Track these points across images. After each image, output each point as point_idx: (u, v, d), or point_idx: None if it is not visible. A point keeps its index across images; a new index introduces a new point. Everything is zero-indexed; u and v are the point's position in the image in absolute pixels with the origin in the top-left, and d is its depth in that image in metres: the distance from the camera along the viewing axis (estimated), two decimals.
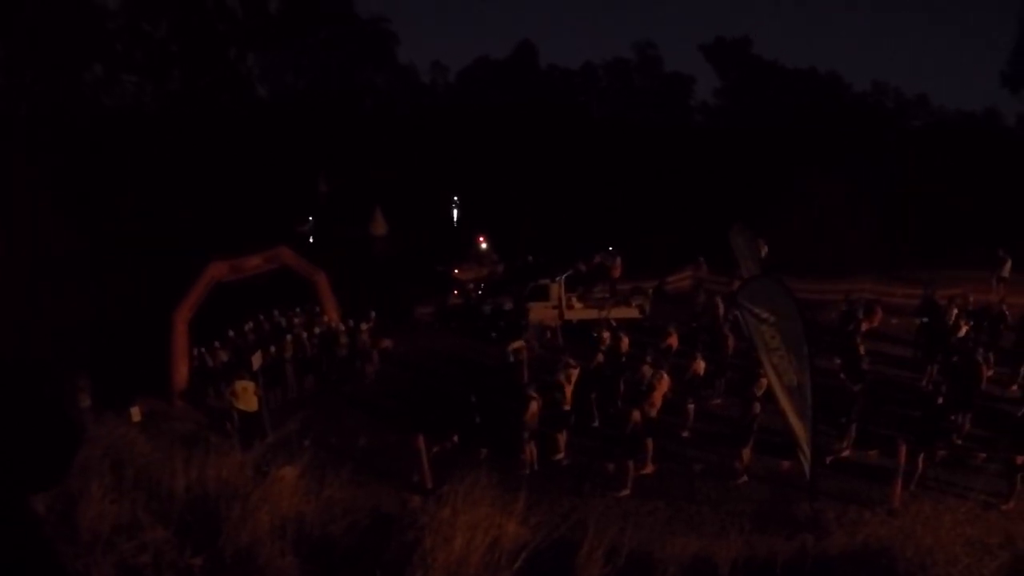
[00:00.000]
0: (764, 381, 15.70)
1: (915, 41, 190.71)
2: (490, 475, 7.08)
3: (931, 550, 6.27)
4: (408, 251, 50.19)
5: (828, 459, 16.59)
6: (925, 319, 23.05)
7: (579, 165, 71.04)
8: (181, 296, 24.52)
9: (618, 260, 30.16)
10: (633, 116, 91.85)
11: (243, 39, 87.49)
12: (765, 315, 14.91)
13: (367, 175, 69.88)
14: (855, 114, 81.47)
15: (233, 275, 25.71)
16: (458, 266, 37.00)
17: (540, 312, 27.77)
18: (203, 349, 24.06)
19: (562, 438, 18.06)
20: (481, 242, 40.06)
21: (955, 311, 22.35)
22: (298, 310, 27.66)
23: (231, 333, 25.28)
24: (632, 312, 27.68)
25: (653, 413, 17.00)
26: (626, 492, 16.05)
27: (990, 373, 19.25)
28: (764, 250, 28.33)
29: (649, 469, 16.96)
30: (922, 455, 15.51)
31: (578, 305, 28.63)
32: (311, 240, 58.42)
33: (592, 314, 27.60)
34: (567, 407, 18.02)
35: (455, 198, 73.23)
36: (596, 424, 19.46)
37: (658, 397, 17.21)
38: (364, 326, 25.67)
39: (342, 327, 25.81)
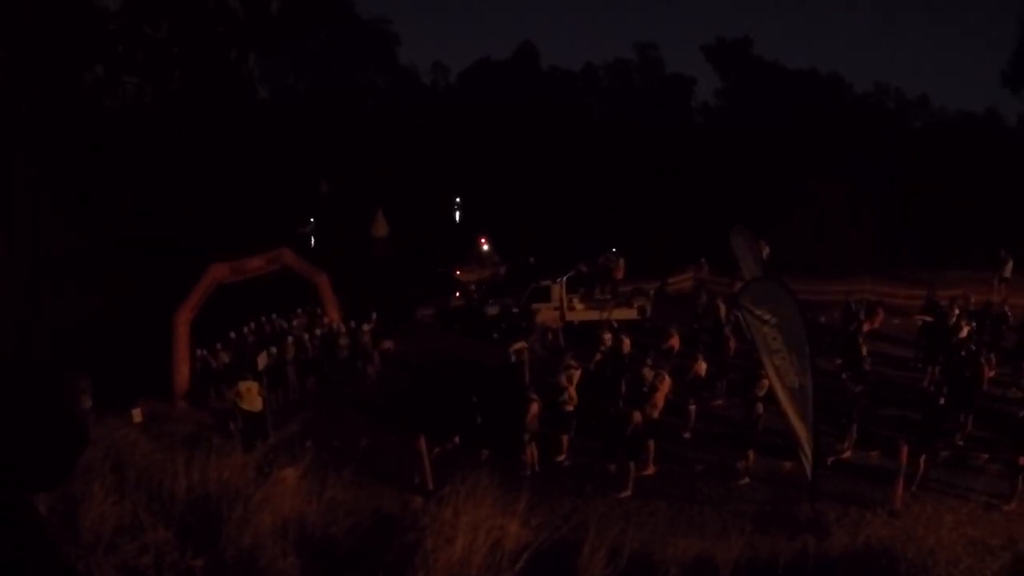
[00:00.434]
0: (766, 382, 15.69)
1: (916, 42, 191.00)
2: (491, 476, 7.10)
3: (933, 551, 6.27)
4: (409, 252, 50.20)
5: (829, 460, 16.59)
6: (927, 319, 23.03)
7: (580, 166, 71.10)
8: (182, 297, 24.51)
9: (620, 261, 30.14)
10: (634, 117, 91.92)
11: (244, 40, 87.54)
12: (767, 316, 14.91)
13: (368, 176, 69.94)
14: (856, 114, 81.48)
15: (234, 276, 25.68)
16: (460, 267, 36.98)
17: (542, 313, 27.77)
18: (205, 351, 24.04)
19: (564, 439, 18.05)
20: (483, 243, 40.03)
21: (957, 312, 22.32)
22: (299, 311, 27.64)
23: (232, 335, 25.26)
24: (633, 313, 27.67)
25: (655, 414, 17.01)
26: (627, 493, 16.05)
27: (992, 374, 19.24)
28: (766, 251, 28.30)
29: (650, 470, 16.96)
30: (924, 456, 15.51)
31: (580, 306, 28.61)
32: (312, 241, 58.43)
33: (594, 315, 27.59)
34: (569, 408, 18.00)
35: (457, 199, 73.26)
36: (597, 425, 19.45)
37: (660, 398, 17.23)
38: (366, 327, 25.65)
39: (343, 328, 25.80)
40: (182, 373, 23.90)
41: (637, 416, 16.34)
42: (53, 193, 43.09)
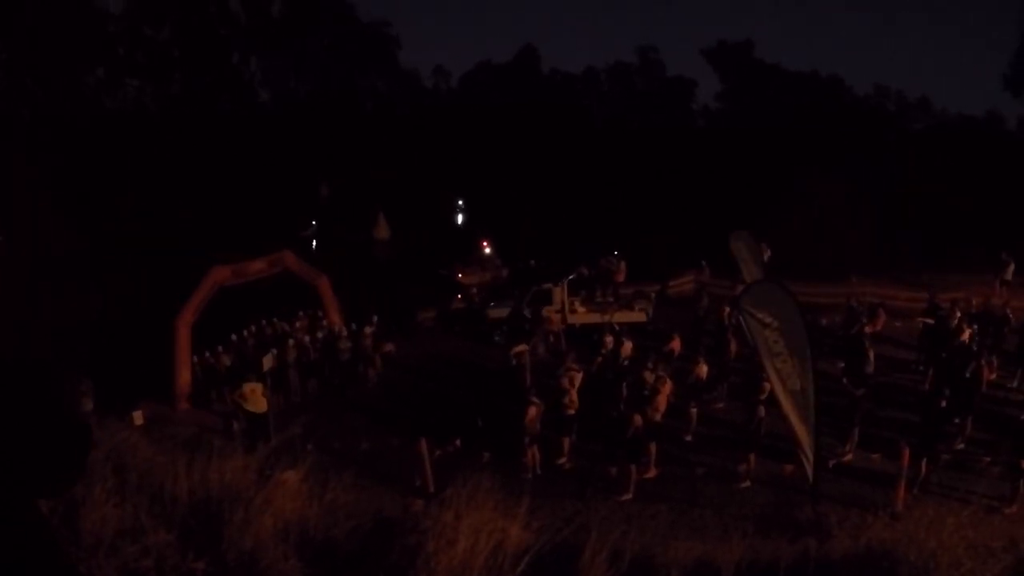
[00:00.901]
0: (767, 385, 15.68)
1: (917, 44, 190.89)
2: (493, 479, 7.09)
3: (934, 554, 6.27)
4: (411, 255, 50.19)
5: (831, 463, 16.59)
6: (928, 322, 23.03)
7: (581, 168, 71.04)
8: (183, 299, 24.51)
9: (622, 264, 30.16)
10: (635, 119, 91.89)
11: (245, 43, 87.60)
12: (768, 320, 14.90)
13: (369, 178, 69.88)
14: (856, 116, 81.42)
15: (236, 279, 25.67)
16: (461, 270, 37.03)
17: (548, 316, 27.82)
18: (208, 353, 24.04)
19: (566, 442, 18.05)
20: (485, 246, 40.08)
21: (958, 314, 22.31)
22: (300, 314, 27.64)
23: (234, 337, 25.27)
24: (635, 316, 27.67)
25: (657, 417, 17.02)
26: (628, 496, 16.04)
27: (993, 376, 19.24)
28: (767, 253, 28.31)
29: (652, 473, 16.96)
30: (925, 459, 15.51)
31: (581, 309, 28.62)
32: (314, 244, 58.42)
33: (595, 318, 27.60)
34: (571, 411, 17.99)
35: (459, 202, 73.24)
36: (598, 428, 19.43)
37: (661, 401, 17.23)
38: (367, 330, 25.65)
39: (345, 331, 25.80)
40: (183, 376, 23.88)
41: (638, 419, 16.34)
42: (54, 194, 43.09)
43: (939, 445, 16.20)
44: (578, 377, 18.66)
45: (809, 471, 14.66)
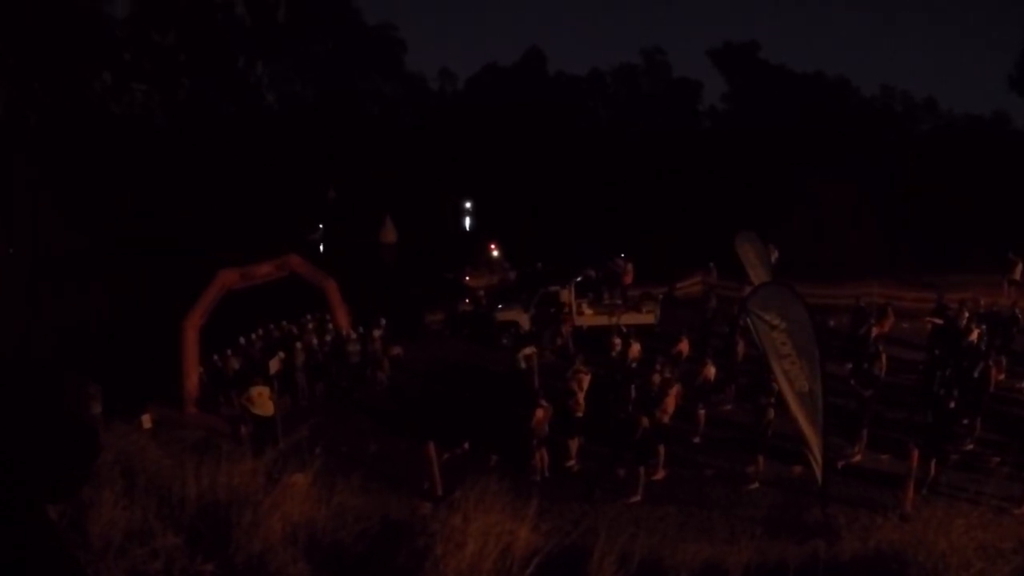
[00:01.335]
0: (775, 387, 15.66)
1: (923, 45, 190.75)
2: (501, 482, 7.07)
3: (943, 555, 6.24)
4: (418, 258, 50.20)
5: (839, 464, 16.56)
6: (937, 322, 22.97)
7: (587, 170, 71.06)
8: (191, 303, 24.55)
9: (629, 266, 30.13)
10: (641, 121, 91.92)
11: (251, 47, 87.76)
12: (776, 321, 14.89)
13: (376, 182, 69.95)
14: (863, 117, 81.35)
15: (243, 282, 25.71)
16: (469, 273, 37.03)
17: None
18: (217, 356, 24.05)
19: (573, 444, 18.04)
20: (493, 249, 40.06)
21: (966, 315, 22.25)
22: (308, 317, 27.64)
23: (242, 340, 25.29)
24: (643, 318, 27.63)
25: (665, 419, 17.01)
26: (637, 498, 16.03)
27: (1001, 377, 19.18)
28: (775, 255, 28.29)
29: (660, 475, 16.95)
30: (934, 459, 15.47)
31: (589, 311, 28.58)
32: (321, 247, 58.48)
33: (603, 320, 27.57)
34: (579, 414, 17.99)
35: (467, 204, 73.25)
36: (607, 430, 19.41)
37: (670, 403, 17.21)
38: (376, 333, 25.63)
39: (352, 334, 25.81)
40: (191, 379, 23.92)
41: (645, 421, 16.33)
42: (57, 195, 43.19)
43: (948, 446, 16.16)
44: (586, 379, 18.65)
45: (818, 473, 14.64)
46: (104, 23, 74.62)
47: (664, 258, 37.30)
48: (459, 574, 5.43)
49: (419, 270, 44.02)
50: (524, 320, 28.02)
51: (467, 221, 72.30)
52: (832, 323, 26.28)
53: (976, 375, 18.28)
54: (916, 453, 14.89)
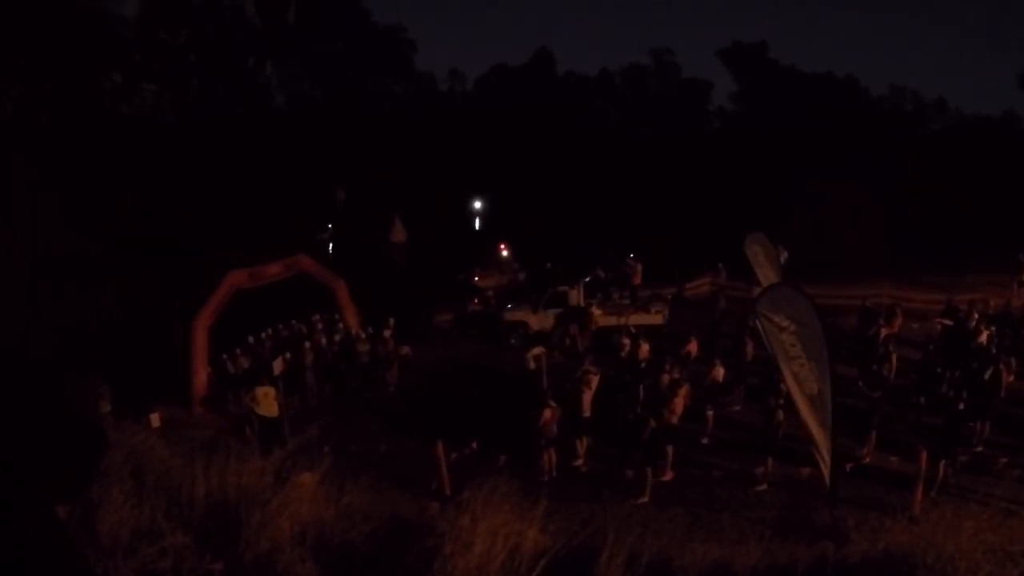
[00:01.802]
0: (783, 387, 15.65)
1: (932, 45, 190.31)
2: (509, 482, 7.08)
3: (952, 557, 6.23)
4: (427, 258, 50.19)
5: (848, 466, 16.52)
6: (946, 323, 22.91)
7: (596, 171, 71.01)
8: (200, 302, 24.61)
9: (639, 267, 30.10)
10: (650, 121, 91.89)
11: (261, 48, 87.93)
12: (785, 323, 14.87)
13: (385, 182, 69.96)
14: (872, 118, 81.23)
15: (252, 282, 25.78)
16: (479, 273, 37.03)
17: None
18: (226, 356, 24.09)
19: (581, 444, 18.04)
20: (502, 249, 40.05)
21: (976, 316, 22.18)
22: (317, 317, 27.66)
23: (251, 340, 25.32)
24: (651, 319, 27.60)
25: (674, 420, 17.00)
26: (645, 499, 16.02)
27: (1011, 378, 19.11)
28: (784, 255, 28.22)
29: (668, 476, 16.94)
30: (943, 461, 15.43)
31: (598, 312, 28.55)
32: (330, 247, 58.51)
33: (612, 321, 27.55)
34: (587, 414, 17.99)
35: (477, 205, 73.22)
36: (615, 431, 19.39)
37: (678, 404, 17.19)
38: (386, 333, 25.62)
39: (362, 334, 25.83)
40: (200, 378, 23.99)
41: (653, 421, 16.33)
42: (70, 199, 43.25)
43: (957, 448, 16.12)
44: (595, 380, 18.63)
45: (826, 474, 14.62)
46: (113, 23, 74.80)
47: (672, 258, 37.23)
48: (467, 574, 5.44)
49: (428, 270, 44.03)
50: (533, 320, 28.03)
51: (477, 221, 72.22)
52: (840, 324, 26.24)
53: (987, 377, 18.20)
54: (925, 455, 14.87)
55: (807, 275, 26.43)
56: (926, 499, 14.58)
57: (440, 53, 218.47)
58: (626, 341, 22.46)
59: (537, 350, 22.54)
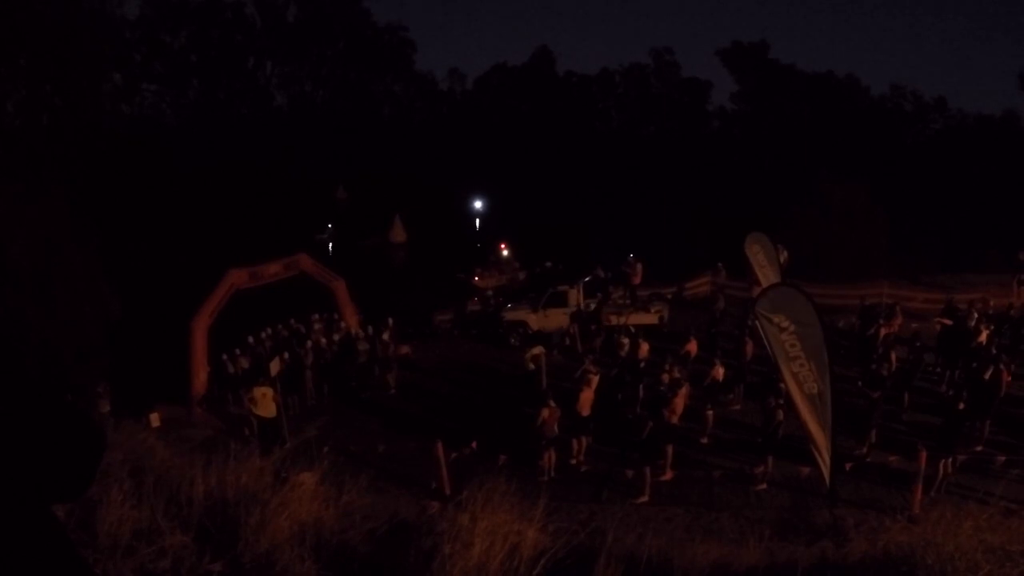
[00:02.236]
0: (782, 387, 15.65)
1: (933, 44, 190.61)
2: (509, 482, 7.08)
3: (952, 557, 6.23)
4: (428, 258, 50.22)
5: (848, 465, 16.52)
6: (946, 322, 22.89)
7: (597, 169, 71.10)
8: (200, 302, 24.61)
9: (638, 266, 30.09)
10: (650, 121, 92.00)
11: (261, 48, 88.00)
12: (785, 324, 14.88)
13: (386, 182, 70.04)
14: (872, 116, 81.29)
15: (252, 282, 25.78)
16: (479, 273, 37.03)
17: (558, 318, 27.77)
18: (226, 356, 24.06)
19: (579, 444, 18.03)
20: (502, 249, 40.04)
21: (975, 316, 22.17)
22: (316, 317, 27.65)
23: (251, 340, 25.30)
24: (648, 319, 27.61)
25: (674, 419, 16.99)
26: (645, 499, 16.01)
27: (1008, 379, 19.11)
28: (784, 255, 28.20)
29: (668, 476, 16.93)
30: (943, 461, 15.43)
31: (607, 312, 28.51)
32: (330, 247, 58.58)
33: (612, 320, 27.53)
34: (587, 414, 17.97)
35: (477, 204, 73.29)
36: (615, 430, 19.38)
37: (678, 403, 17.19)
38: (385, 333, 25.60)
39: (361, 334, 25.82)
40: (200, 378, 23.99)
41: (653, 421, 16.33)
42: (72, 198, 43.24)
43: (957, 447, 16.12)
44: (595, 380, 18.62)
45: (826, 474, 14.63)
46: (114, 24, 74.84)
47: (680, 262, 37.25)
48: (467, 574, 5.43)
49: (428, 270, 44.05)
50: (533, 320, 28.02)
51: (476, 221, 72.32)
52: (841, 324, 26.24)
53: (987, 377, 18.20)
54: (925, 454, 14.87)
55: (807, 275, 26.46)
56: (926, 498, 14.57)
57: (439, 52, 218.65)
58: (625, 341, 22.45)
59: (537, 350, 22.52)
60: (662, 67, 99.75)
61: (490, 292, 32.65)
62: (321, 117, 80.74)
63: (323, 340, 25.39)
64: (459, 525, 6.00)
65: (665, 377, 18.26)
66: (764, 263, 26.75)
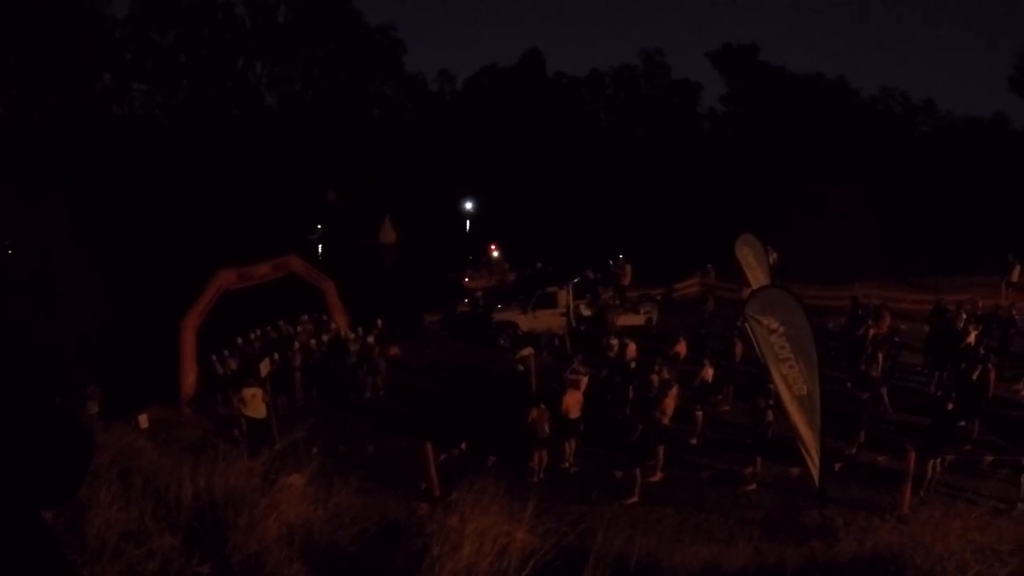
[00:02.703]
0: (772, 387, 15.66)
1: (922, 46, 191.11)
2: (498, 483, 7.08)
3: (941, 557, 6.25)
4: (417, 259, 50.19)
5: (837, 466, 16.55)
6: (935, 323, 22.96)
7: (586, 171, 71.15)
8: (189, 303, 24.55)
9: (627, 267, 30.10)
10: (640, 123, 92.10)
11: (251, 48, 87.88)
12: (774, 325, 14.91)
13: (376, 183, 69.97)
14: (862, 118, 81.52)
15: (241, 283, 25.73)
16: (469, 274, 37.04)
17: (548, 319, 27.75)
18: (215, 357, 23.99)
19: (569, 446, 18.01)
20: (492, 250, 40.04)
21: (964, 316, 22.23)
22: (305, 318, 27.59)
23: (240, 341, 25.23)
24: (636, 320, 27.63)
25: (664, 420, 16.99)
26: (634, 500, 16.02)
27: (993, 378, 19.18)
28: (773, 256, 28.26)
29: (657, 477, 16.93)
30: (932, 461, 15.47)
31: (586, 312, 28.53)
32: (319, 248, 58.50)
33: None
34: (575, 415, 17.96)
35: (467, 205, 73.25)
36: (604, 432, 19.37)
37: (668, 404, 17.19)
38: (373, 334, 25.55)
39: (351, 335, 25.77)
40: (188, 379, 23.92)
41: (642, 422, 16.33)
42: (62, 200, 43.11)
43: (946, 447, 16.15)
44: (583, 381, 18.62)
45: (815, 474, 14.65)
46: (104, 23, 74.71)
47: (670, 263, 37.29)
48: (456, 575, 5.43)
49: (418, 271, 44.01)
50: (522, 321, 28.00)
51: (466, 222, 72.27)
52: (831, 325, 26.29)
53: (975, 378, 18.25)
54: (914, 455, 14.90)
55: (797, 276, 26.50)
56: (915, 499, 14.62)
57: (430, 53, 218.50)
58: (614, 342, 22.43)
59: (526, 351, 22.50)
60: (652, 69, 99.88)
61: (479, 293, 32.61)
62: (311, 117, 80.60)
63: (312, 341, 25.33)
64: (448, 526, 6.01)
65: (655, 378, 18.24)
66: (754, 265, 26.79)
